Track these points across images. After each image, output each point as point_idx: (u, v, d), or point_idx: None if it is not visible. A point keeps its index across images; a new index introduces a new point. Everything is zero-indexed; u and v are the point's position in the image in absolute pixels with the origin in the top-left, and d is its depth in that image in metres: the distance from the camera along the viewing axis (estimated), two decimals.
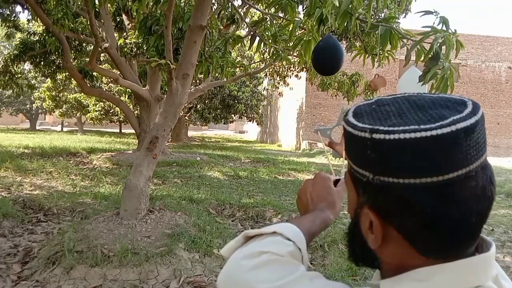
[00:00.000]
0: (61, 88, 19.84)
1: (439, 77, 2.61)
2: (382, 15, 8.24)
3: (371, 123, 0.49)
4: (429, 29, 2.55)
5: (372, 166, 0.49)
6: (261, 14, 6.12)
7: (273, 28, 4.51)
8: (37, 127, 32.24)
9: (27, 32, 10.56)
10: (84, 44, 10.31)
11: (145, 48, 7.34)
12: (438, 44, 2.50)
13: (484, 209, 0.48)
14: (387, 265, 0.55)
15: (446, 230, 0.48)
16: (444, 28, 2.57)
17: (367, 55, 3.58)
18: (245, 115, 19.12)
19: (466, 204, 0.47)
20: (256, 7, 5.63)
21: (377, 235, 0.51)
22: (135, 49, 8.12)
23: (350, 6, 2.70)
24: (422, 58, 2.70)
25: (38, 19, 7.51)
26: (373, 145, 0.47)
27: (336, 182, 0.82)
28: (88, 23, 6.82)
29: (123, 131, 28.85)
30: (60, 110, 23.84)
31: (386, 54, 3.51)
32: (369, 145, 0.48)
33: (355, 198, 0.55)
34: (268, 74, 12.89)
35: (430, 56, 2.60)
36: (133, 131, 11.88)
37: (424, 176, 0.45)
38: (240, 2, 7.06)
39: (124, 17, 9.27)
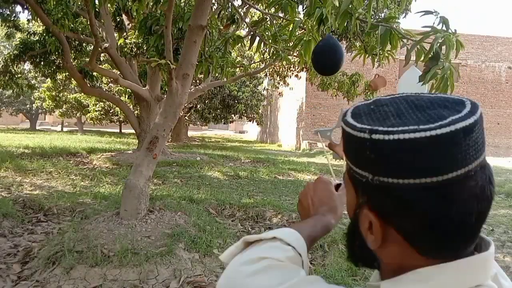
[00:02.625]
0: (61, 88, 19.84)
1: (439, 77, 2.61)
2: (382, 15, 8.25)
3: (370, 123, 0.49)
4: (429, 29, 2.55)
5: (372, 167, 0.49)
6: (261, 14, 6.12)
7: (273, 28, 4.51)
8: (37, 127, 32.23)
9: (27, 32, 10.56)
10: (84, 44, 10.31)
11: (145, 48, 7.35)
12: (438, 44, 2.50)
13: (483, 209, 0.48)
14: (387, 265, 0.55)
15: (446, 230, 0.47)
16: (444, 28, 2.57)
17: (367, 55, 3.58)
18: (245, 115, 19.11)
19: (465, 204, 0.46)
20: (256, 7, 5.63)
21: (377, 235, 0.51)
22: (135, 49, 8.12)
23: (350, 6, 2.70)
24: (422, 58, 2.70)
25: (38, 19, 7.50)
26: (372, 146, 0.47)
27: (337, 186, 0.82)
28: (88, 23, 6.82)
29: (123, 131, 28.85)
30: (60, 110, 23.84)
31: (386, 54, 3.51)
32: (368, 146, 0.48)
33: (354, 198, 0.55)
34: (268, 74, 12.88)
35: (430, 56, 2.60)
36: (133, 131, 11.88)
37: (424, 177, 0.45)
38: (240, 2, 7.06)
39: (124, 17, 9.27)
